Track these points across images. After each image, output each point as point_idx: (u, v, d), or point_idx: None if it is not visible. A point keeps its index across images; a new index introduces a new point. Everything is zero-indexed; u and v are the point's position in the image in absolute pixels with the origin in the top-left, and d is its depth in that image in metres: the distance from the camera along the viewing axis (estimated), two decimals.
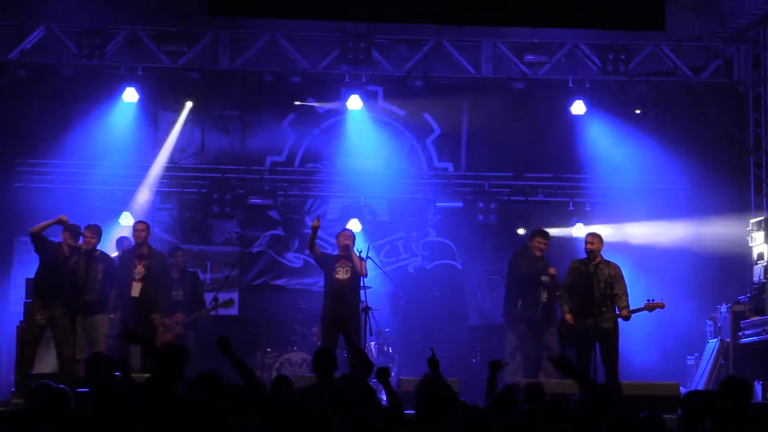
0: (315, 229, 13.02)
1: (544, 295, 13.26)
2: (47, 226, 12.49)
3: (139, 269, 13.06)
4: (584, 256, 12.67)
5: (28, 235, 15.78)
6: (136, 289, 12.98)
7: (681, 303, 16.39)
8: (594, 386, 7.06)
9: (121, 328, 12.66)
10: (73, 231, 12.45)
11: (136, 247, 13.20)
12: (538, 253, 13.35)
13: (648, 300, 12.40)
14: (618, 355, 12.34)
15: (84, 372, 7.15)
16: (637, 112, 16.52)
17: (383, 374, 7.54)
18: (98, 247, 12.72)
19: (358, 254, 13.14)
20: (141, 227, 13.27)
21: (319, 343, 15.00)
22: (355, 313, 13.01)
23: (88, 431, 6.16)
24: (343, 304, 12.97)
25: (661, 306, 12.40)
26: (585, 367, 12.30)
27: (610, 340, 12.34)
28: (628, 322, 12.49)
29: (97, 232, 12.69)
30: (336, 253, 13.38)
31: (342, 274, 13.09)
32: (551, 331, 13.47)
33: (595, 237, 12.67)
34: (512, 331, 13.78)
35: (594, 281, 12.41)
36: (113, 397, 6.21)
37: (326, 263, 13.23)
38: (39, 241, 12.46)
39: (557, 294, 13.04)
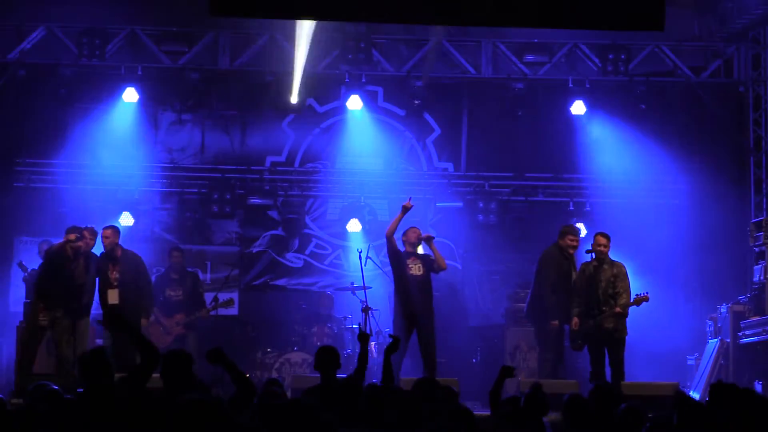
0: (406, 210, 12.82)
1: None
2: (65, 245, 12.44)
3: (114, 275, 12.90)
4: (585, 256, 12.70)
5: (28, 235, 15.87)
6: (113, 296, 12.78)
7: (681, 303, 16.42)
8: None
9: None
10: (75, 233, 12.43)
11: (108, 253, 12.99)
12: (571, 252, 13.08)
13: (636, 294, 12.43)
14: (623, 355, 12.32)
15: (79, 368, 7.05)
16: (642, 107, 16.48)
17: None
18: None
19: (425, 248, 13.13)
20: (106, 233, 12.97)
21: (319, 344, 15.02)
22: (430, 309, 12.94)
23: (84, 431, 6.14)
24: (419, 300, 12.83)
25: (646, 299, 12.41)
26: (597, 367, 12.30)
27: (613, 339, 12.33)
28: (630, 322, 12.50)
29: (95, 235, 12.70)
30: (403, 249, 13.16)
31: (415, 270, 12.93)
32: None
33: (607, 238, 12.60)
34: (536, 329, 13.53)
35: (596, 281, 12.42)
36: (109, 396, 6.17)
37: (398, 259, 12.98)
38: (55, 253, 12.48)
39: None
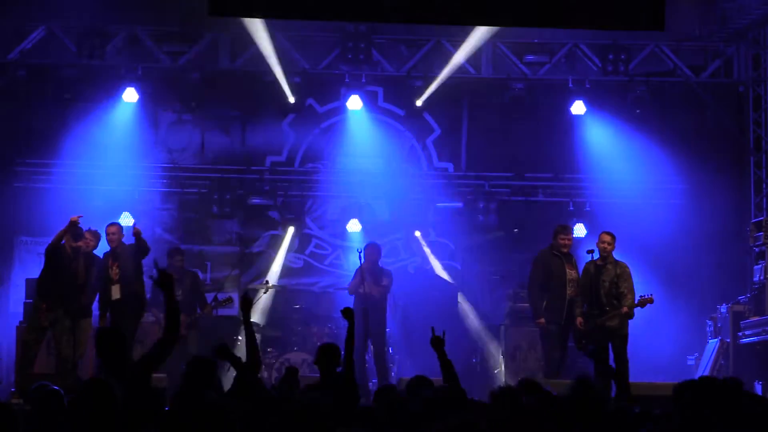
0: None
1: (569, 292, 13.02)
2: (62, 237, 12.39)
3: (115, 270, 12.90)
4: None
5: (28, 235, 15.85)
6: (115, 292, 12.78)
7: (681, 303, 16.41)
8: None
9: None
10: (75, 233, 12.42)
11: (113, 250, 12.98)
12: (564, 250, 13.08)
13: (641, 296, 12.44)
14: (626, 353, 12.33)
15: (96, 347, 7.20)
16: (637, 111, 16.50)
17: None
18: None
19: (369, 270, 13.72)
20: (112, 230, 13.01)
21: (319, 344, 15.00)
22: (379, 321, 13.69)
23: (81, 431, 6.13)
24: (368, 315, 13.38)
25: (650, 301, 12.42)
26: (602, 366, 12.28)
27: (617, 338, 12.35)
28: (630, 322, 12.50)
29: (97, 237, 12.69)
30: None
31: (365, 288, 13.63)
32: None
33: (611, 236, 12.60)
34: (540, 329, 13.49)
35: (599, 281, 12.42)
36: (105, 396, 6.17)
37: (356, 279, 13.81)
38: (54, 251, 12.42)
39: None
